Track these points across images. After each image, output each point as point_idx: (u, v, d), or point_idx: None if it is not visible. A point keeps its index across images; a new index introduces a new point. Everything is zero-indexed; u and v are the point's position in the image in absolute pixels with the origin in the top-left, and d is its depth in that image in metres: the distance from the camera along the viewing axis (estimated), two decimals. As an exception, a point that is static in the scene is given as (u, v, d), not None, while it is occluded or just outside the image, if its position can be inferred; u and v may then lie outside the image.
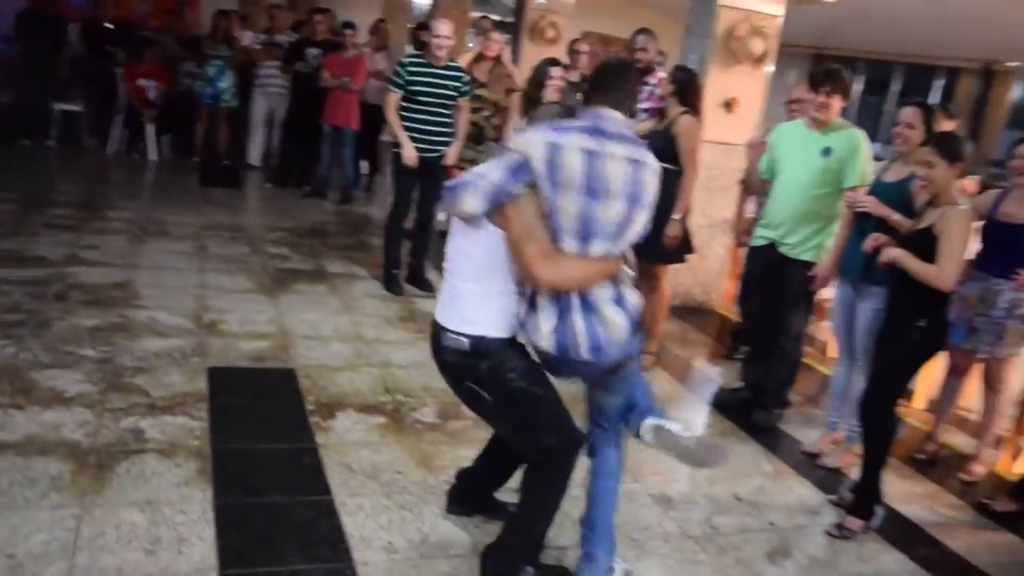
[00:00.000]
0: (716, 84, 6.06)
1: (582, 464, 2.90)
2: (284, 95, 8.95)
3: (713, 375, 5.34)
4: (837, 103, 4.37)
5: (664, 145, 4.77)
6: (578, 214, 2.53)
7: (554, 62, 5.51)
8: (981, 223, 4.09)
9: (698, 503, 3.68)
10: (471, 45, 7.52)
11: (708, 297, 6.65)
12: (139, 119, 9.12)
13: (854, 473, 4.10)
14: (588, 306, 2.62)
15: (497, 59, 6.17)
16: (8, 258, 5.36)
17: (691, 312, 6.51)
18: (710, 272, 6.62)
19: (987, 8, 9.14)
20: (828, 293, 4.62)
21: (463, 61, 6.32)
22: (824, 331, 5.76)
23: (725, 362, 5.58)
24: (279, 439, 3.66)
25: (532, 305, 2.65)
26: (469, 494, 3.28)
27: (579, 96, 5.58)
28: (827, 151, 4.33)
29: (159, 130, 9.28)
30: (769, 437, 4.47)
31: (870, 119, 12.82)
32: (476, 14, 12.25)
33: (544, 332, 2.63)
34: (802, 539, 3.56)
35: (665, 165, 4.73)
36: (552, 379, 2.81)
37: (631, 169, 2.57)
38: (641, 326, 2.80)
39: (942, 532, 3.76)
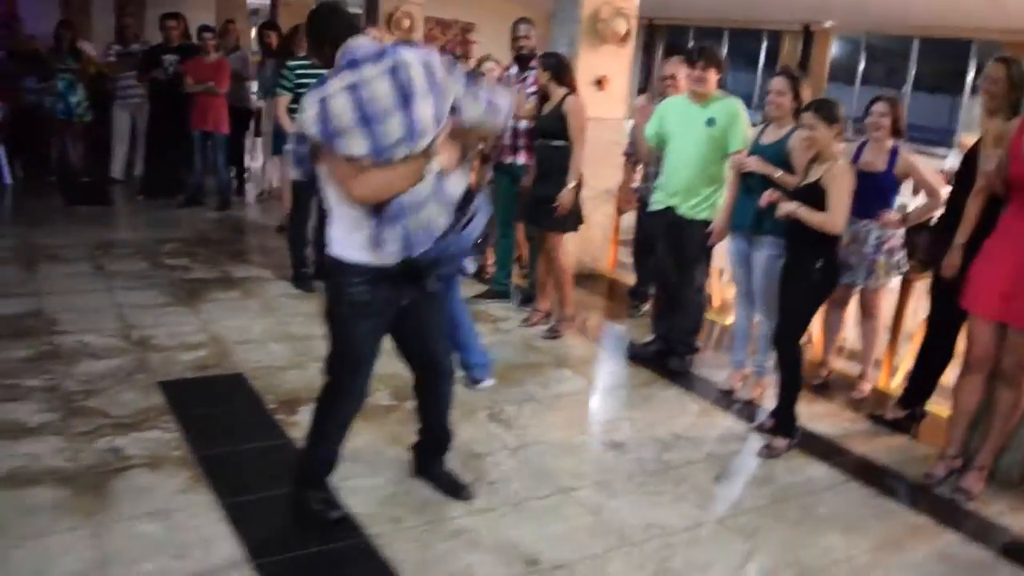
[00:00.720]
0: (586, 64, 6.48)
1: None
2: (144, 105, 8.76)
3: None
4: (712, 76, 4.88)
5: (555, 124, 5.18)
6: (366, 141, 2.77)
7: (489, 58, 5.82)
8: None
9: (644, 445, 4.11)
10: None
11: (596, 264, 7.12)
12: (-13, 143, 8.69)
13: (766, 403, 4.68)
14: (415, 206, 2.85)
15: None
16: (-98, 299, 5.17)
17: (584, 279, 6.95)
18: (595, 241, 7.08)
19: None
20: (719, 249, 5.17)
21: None
22: (711, 285, 6.33)
23: (628, 320, 6.06)
24: (255, 439, 3.82)
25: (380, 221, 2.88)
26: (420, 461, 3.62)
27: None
28: (711, 121, 4.84)
29: (9, 151, 8.86)
30: (686, 381, 4.97)
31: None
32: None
33: (381, 240, 2.87)
34: (739, 462, 4.07)
35: (556, 142, 5.23)
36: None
37: (390, 78, 2.77)
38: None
39: (848, 441, 4.36)
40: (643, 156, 5.47)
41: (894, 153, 4.58)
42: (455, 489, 3.47)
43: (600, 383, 4.86)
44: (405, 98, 2.80)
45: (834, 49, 12.39)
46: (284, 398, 4.24)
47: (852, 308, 5.14)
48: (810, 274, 4.07)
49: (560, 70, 5.19)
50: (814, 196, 4.01)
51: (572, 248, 6.78)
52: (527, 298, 5.94)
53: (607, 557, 3.15)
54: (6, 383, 4.17)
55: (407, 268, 2.90)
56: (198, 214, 8.13)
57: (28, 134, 8.90)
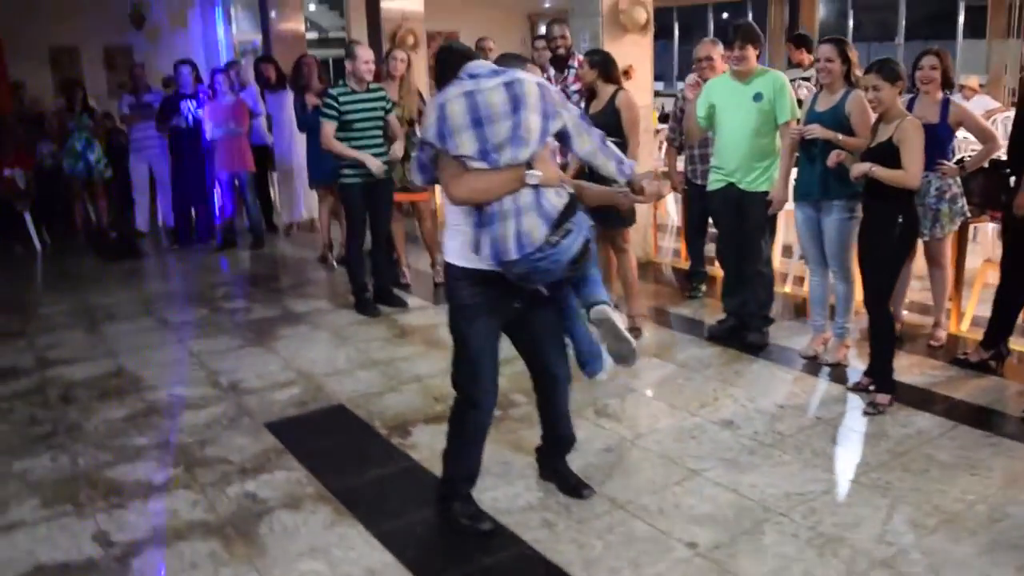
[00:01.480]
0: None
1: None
2: (163, 154, 8.79)
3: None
4: (751, 52, 4.95)
5: (609, 121, 5.22)
6: (475, 143, 2.95)
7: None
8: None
9: (753, 419, 4.18)
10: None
11: (644, 251, 7.18)
12: (12, 210, 8.70)
13: (852, 363, 4.76)
14: (510, 213, 2.98)
15: (403, 77, 6.42)
16: (-19, 378, 5.21)
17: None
18: (638, 228, 7.14)
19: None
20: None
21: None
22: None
23: (691, 302, 6.13)
24: (380, 465, 3.88)
25: (478, 224, 3.04)
26: (546, 459, 3.68)
27: None
28: (758, 96, 4.91)
29: (34, 217, 8.89)
30: (769, 353, 5.04)
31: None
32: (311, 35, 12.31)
33: (479, 244, 3.03)
34: (849, 423, 4.14)
35: (611, 139, 5.28)
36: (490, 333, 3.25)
37: (505, 90, 2.96)
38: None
39: (943, 388, 4.45)
40: (693, 137, 5.53)
41: (946, 104, 4.65)
42: (577, 489, 3.53)
43: (689, 366, 4.91)
44: (515, 107, 2.96)
45: (821, 10, 12.48)
46: (392, 423, 4.30)
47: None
48: (892, 232, 4.14)
49: (607, 66, 5.25)
50: (887, 155, 4.08)
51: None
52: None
53: (759, 530, 3.22)
54: (115, 444, 4.21)
55: (503, 274, 3.04)
56: (235, 255, 8.18)
57: (51, 198, 8.94)
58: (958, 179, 4.80)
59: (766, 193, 4.97)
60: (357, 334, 5.68)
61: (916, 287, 5.60)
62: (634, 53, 6.65)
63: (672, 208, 8.30)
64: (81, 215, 8.99)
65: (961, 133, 5.23)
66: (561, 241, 3.00)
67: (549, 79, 6.00)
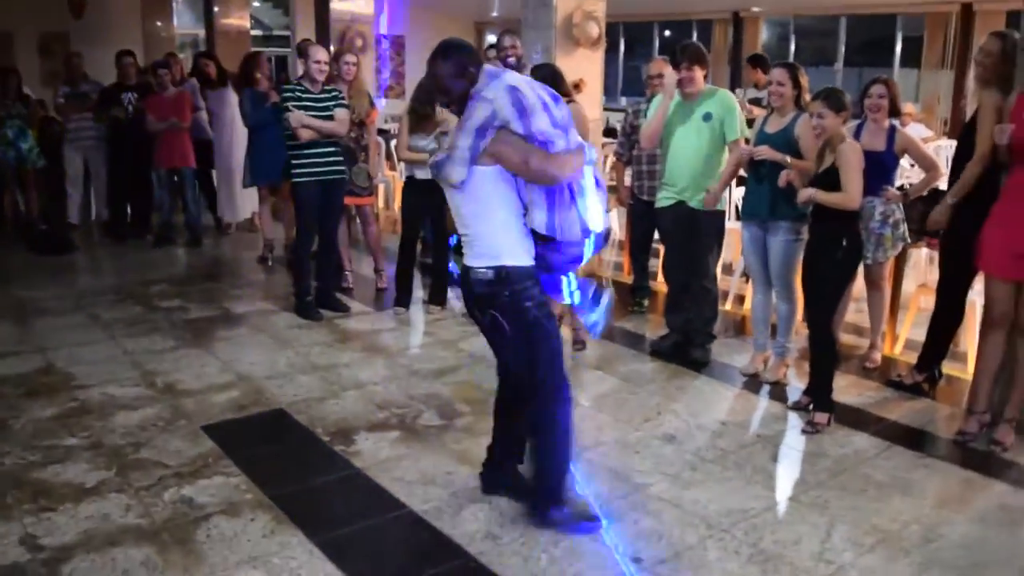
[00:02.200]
0: (563, 68, 6.55)
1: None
2: (99, 146, 8.54)
3: None
4: (699, 73, 5.04)
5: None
6: (550, 122, 3.03)
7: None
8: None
9: (695, 435, 4.22)
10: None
11: (588, 265, 7.21)
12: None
13: (792, 382, 4.85)
14: (576, 192, 3.12)
15: (354, 79, 6.35)
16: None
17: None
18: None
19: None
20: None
21: None
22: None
23: (634, 317, 6.18)
24: (323, 472, 3.81)
25: (557, 206, 3.11)
26: (493, 473, 3.63)
27: None
28: (707, 116, 4.99)
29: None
30: (711, 369, 5.11)
31: (637, 78, 13.95)
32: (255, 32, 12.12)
33: (541, 222, 3.11)
34: (789, 440, 4.21)
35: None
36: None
37: (530, 83, 3.15)
38: None
39: (878, 409, 4.56)
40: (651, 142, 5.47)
41: (892, 132, 4.78)
42: (528, 493, 3.48)
43: (632, 380, 4.94)
44: (543, 100, 3.07)
45: (764, 33, 12.75)
46: (334, 429, 4.23)
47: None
48: (836, 254, 4.23)
49: (556, 79, 5.26)
50: (833, 180, 4.18)
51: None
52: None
53: (703, 546, 3.25)
54: (44, 444, 4.06)
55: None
56: (171, 252, 7.99)
57: (-23, 187, 8.61)
58: (901, 205, 4.93)
59: (717, 213, 5.05)
60: (298, 338, 5.58)
61: (852, 309, 5.71)
62: (585, 67, 6.70)
63: (615, 223, 8.36)
64: (10, 205, 8.67)
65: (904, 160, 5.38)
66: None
67: None
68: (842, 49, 12.14)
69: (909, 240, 5.04)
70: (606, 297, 6.77)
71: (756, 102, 7.36)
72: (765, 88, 6.68)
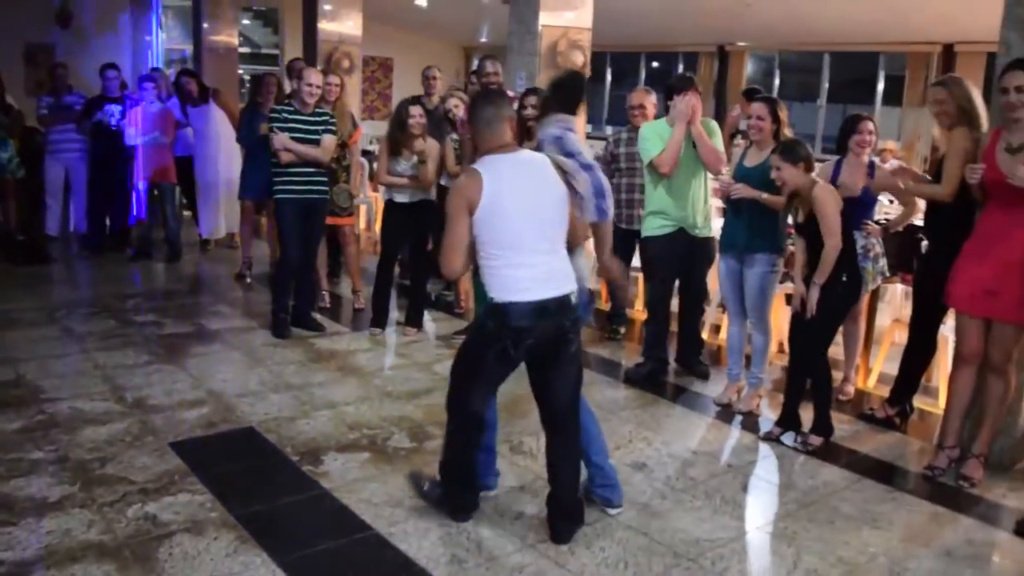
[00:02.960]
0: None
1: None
2: (81, 158, 8.51)
3: None
4: (698, 103, 5.11)
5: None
6: None
7: (413, 101, 5.90)
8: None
9: (666, 464, 4.22)
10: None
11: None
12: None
13: (765, 412, 4.87)
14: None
15: (337, 100, 6.37)
16: None
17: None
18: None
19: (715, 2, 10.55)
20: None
21: None
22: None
23: (609, 344, 6.18)
24: (290, 492, 3.77)
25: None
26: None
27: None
28: (694, 144, 5.03)
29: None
30: (685, 398, 5.12)
31: (621, 107, 14.07)
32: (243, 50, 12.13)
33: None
34: (759, 471, 4.22)
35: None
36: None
37: None
38: None
39: (849, 442, 4.57)
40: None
41: (871, 167, 4.83)
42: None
43: (604, 407, 4.93)
44: None
45: (749, 67, 12.90)
46: (304, 449, 4.20)
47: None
48: (835, 287, 4.26)
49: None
50: (814, 229, 4.24)
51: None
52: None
53: (667, 574, 3.23)
54: (8, 457, 4.00)
55: None
56: (149, 267, 7.95)
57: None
58: (880, 239, 4.97)
59: (712, 239, 5.14)
60: (272, 356, 5.55)
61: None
62: (569, 94, 6.73)
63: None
64: (-10, 215, 8.60)
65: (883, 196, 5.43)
66: None
67: None
68: (826, 85, 12.29)
69: (888, 274, 5.09)
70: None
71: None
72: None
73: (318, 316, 6.32)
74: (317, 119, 5.80)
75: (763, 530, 3.64)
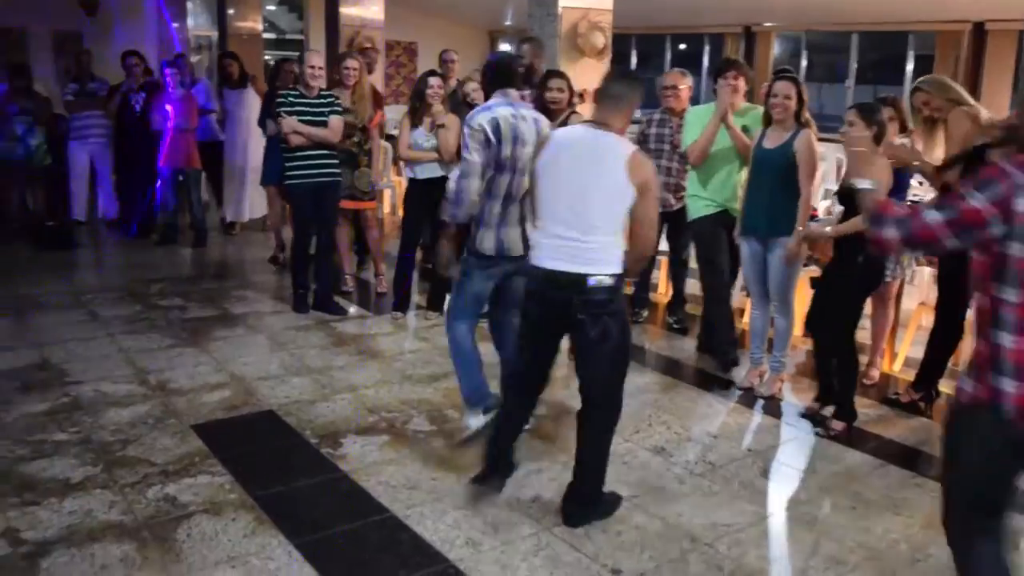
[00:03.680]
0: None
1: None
2: (106, 143, 8.59)
3: None
4: (743, 86, 5.05)
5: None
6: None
7: (432, 73, 5.93)
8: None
9: (685, 448, 4.19)
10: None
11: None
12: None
13: (787, 397, 4.82)
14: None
15: (356, 84, 6.36)
16: (-101, 362, 4.99)
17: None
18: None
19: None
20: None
21: None
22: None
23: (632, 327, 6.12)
24: (308, 474, 3.79)
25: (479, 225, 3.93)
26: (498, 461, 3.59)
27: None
28: (744, 129, 4.98)
29: (-32, 201, 8.60)
30: (706, 381, 5.08)
31: (649, 90, 13.95)
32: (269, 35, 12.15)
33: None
34: (780, 455, 4.17)
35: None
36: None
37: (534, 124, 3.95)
38: None
39: (873, 426, 4.51)
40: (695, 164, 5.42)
41: None
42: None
43: (626, 391, 4.89)
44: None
45: (776, 48, 12.69)
46: (324, 432, 4.21)
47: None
48: (853, 268, 4.20)
49: (571, 87, 5.29)
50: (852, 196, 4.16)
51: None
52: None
53: (685, 560, 3.21)
54: (33, 439, 4.06)
55: None
56: (175, 252, 8.01)
57: (-14, 182, 8.64)
58: None
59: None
60: (294, 339, 5.58)
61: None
62: (590, 77, 6.65)
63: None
64: (17, 201, 8.70)
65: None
66: None
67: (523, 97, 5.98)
68: (854, 66, 12.08)
69: (923, 258, 5.00)
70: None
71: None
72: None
73: (340, 300, 6.34)
74: (323, 101, 5.86)
75: (782, 515, 3.60)
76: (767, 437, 4.40)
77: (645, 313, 6.29)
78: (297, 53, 9.10)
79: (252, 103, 8.23)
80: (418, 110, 5.86)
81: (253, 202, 8.71)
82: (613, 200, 3.24)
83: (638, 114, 6.46)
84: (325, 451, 4.02)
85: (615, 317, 3.27)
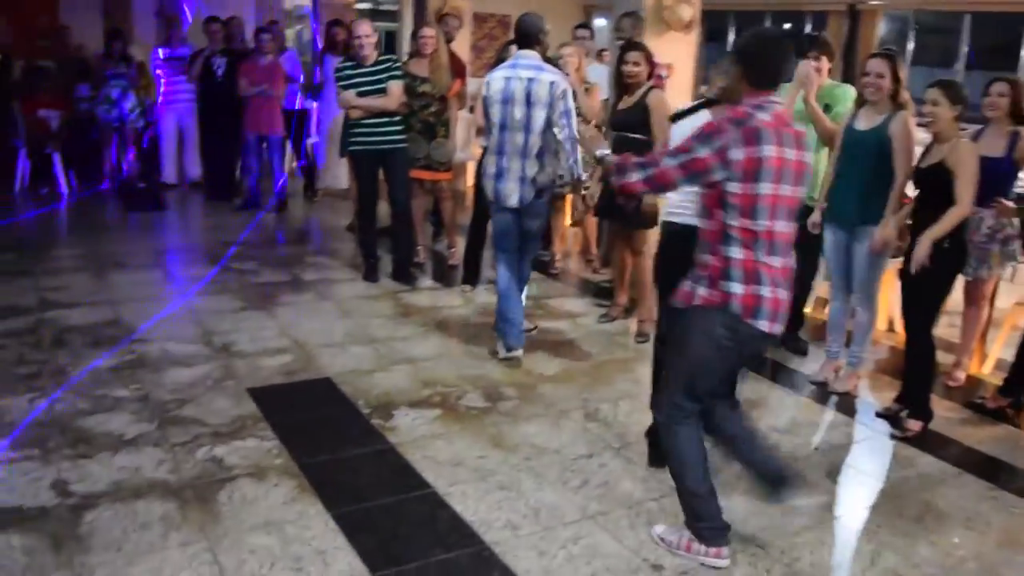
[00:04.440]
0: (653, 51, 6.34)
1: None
2: (191, 108, 8.75)
3: None
4: (825, 65, 4.78)
5: (638, 118, 5.05)
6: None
7: (512, 42, 5.79)
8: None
9: (747, 441, 3.99)
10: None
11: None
12: (43, 153, 8.68)
13: (863, 395, 4.57)
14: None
15: (434, 52, 6.28)
16: (-20, 312, 5.17)
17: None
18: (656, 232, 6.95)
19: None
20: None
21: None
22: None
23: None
24: (356, 445, 3.76)
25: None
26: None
27: None
28: (826, 108, 4.72)
29: (64, 161, 8.87)
30: (777, 373, 4.86)
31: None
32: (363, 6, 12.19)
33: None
34: (849, 457, 3.94)
35: (636, 135, 5.09)
36: None
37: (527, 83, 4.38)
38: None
39: (953, 431, 4.23)
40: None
41: (1015, 138, 4.38)
42: None
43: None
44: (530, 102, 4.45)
45: (881, 28, 12.11)
46: (377, 403, 4.18)
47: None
48: (937, 258, 3.93)
49: (650, 60, 5.10)
50: (937, 177, 3.91)
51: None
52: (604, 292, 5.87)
53: (733, 560, 3.05)
54: (96, 394, 4.14)
55: None
56: (256, 217, 8.10)
57: (81, 143, 8.92)
58: (1015, 220, 4.53)
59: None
60: (360, 308, 5.57)
61: (943, 323, 5.35)
62: (675, 51, 6.45)
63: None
64: (110, 163, 8.96)
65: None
66: None
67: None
68: (965, 49, 11.44)
69: (1020, 259, 4.66)
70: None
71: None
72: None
73: (413, 271, 6.30)
74: (380, 68, 5.85)
75: (843, 521, 3.40)
76: (837, 435, 4.17)
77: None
78: (395, 24, 9.09)
79: None
80: None
81: (337, 170, 8.75)
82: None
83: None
84: (376, 422, 3.98)
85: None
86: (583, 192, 6.04)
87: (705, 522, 3.00)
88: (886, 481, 3.73)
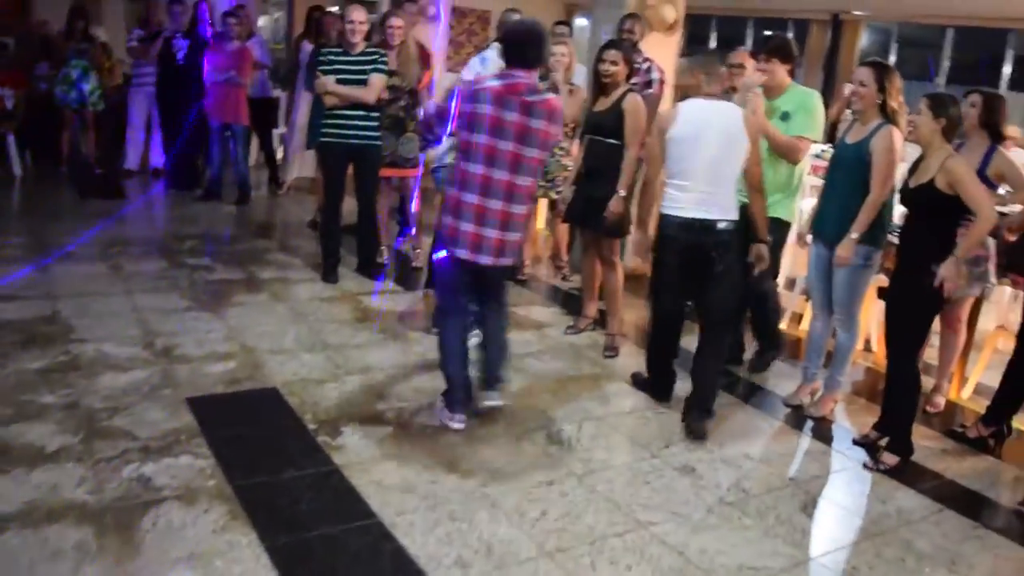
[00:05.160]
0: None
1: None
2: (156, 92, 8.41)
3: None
4: (778, 68, 4.54)
5: (612, 123, 4.80)
6: None
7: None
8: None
9: (718, 470, 3.76)
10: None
11: (636, 263, 6.75)
12: (-5, 132, 8.30)
13: (839, 420, 4.35)
14: None
15: (402, 44, 5.99)
16: (-93, 303, 4.83)
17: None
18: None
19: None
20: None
21: None
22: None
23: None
24: (297, 465, 3.47)
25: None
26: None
27: None
28: (785, 115, 4.50)
29: (19, 142, 8.48)
30: (750, 393, 4.63)
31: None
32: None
33: None
34: (825, 489, 3.72)
35: (611, 140, 4.84)
36: None
37: None
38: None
39: (934, 463, 4.03)
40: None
41: (990, 153, 4.19)
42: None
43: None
44: None
45: (864, 39, 11.93)
46: (324, 417, 3.89)
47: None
48: (924, 278, 3.71)
49: (629, 61, 4.85)
50: (932, 197, 3.69)
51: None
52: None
53: (699, 607, 2.81)
54: (21, 399, 3.82)
55: None
56: (217, 209, 7.77)
57: (39, 123, 8.54)
58: (988, 239, 4.34)
59: (779, 222, 4.55)
60: (316, 311, 5.27)
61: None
62: (658, 53, 6.19)
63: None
64: (68, 145, 8.58)
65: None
66: None
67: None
68: (947, 64, 11.29)
69: (992, 281, 4.46)
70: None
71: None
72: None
73: (375, 272, 6.02)
74: (365, 59, 5.55)
75: (819, 561, 3.17)
76: (813, 465, 3.94)
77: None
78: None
79: None
80: None
81: (303, 163, 8.45)
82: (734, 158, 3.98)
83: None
84: (322, 439, 3.70)
85: (737, 254, 4.10)
86: (554, 197, 5.81)
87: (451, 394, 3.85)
88: (864, 517, 3.51)
